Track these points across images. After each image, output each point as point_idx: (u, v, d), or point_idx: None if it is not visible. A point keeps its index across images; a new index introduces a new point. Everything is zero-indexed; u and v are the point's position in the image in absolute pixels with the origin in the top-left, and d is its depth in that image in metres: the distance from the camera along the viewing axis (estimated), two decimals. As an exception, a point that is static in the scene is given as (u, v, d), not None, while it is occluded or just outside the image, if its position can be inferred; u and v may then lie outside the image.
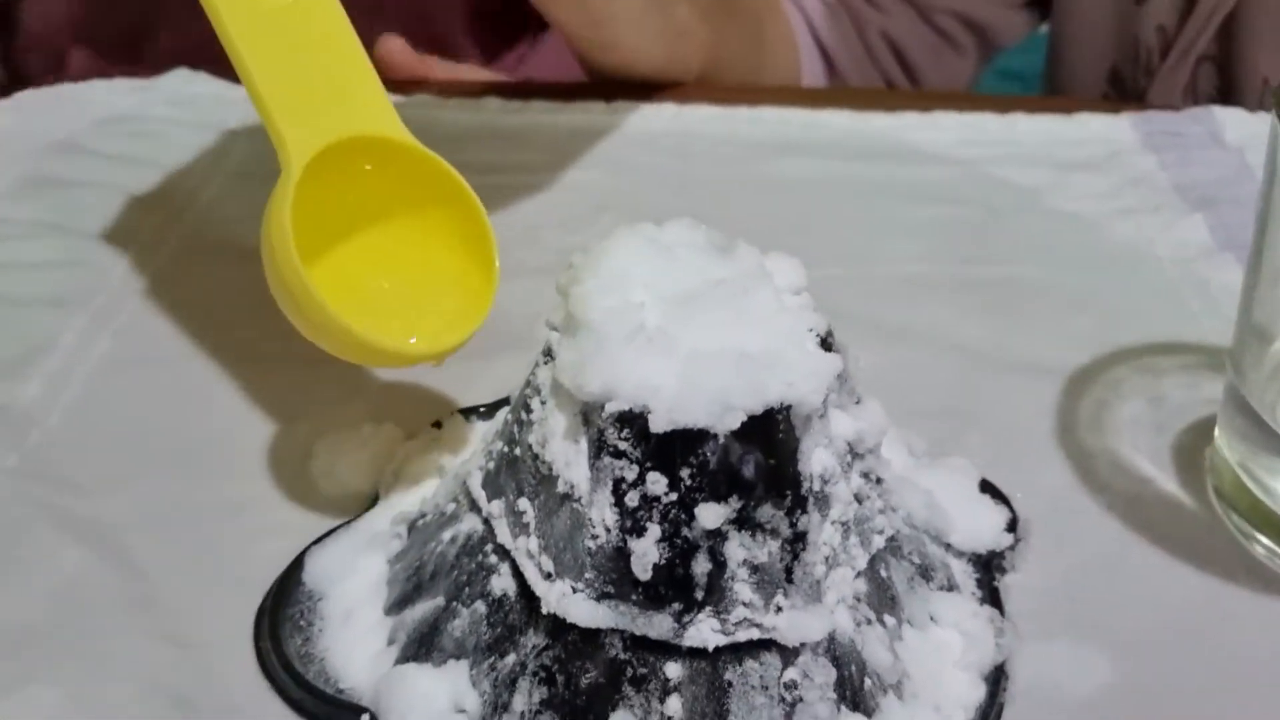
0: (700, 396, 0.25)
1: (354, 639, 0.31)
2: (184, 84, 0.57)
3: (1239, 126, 0.55)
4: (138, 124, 0.54)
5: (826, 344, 0.28)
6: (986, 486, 0.36)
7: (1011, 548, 0.34)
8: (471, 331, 0.34)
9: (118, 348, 0.42)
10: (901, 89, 0.71)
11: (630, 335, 0.26)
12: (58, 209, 0.49)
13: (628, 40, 0.57)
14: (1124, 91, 0.68)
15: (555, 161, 0.53)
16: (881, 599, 0.30)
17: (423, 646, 0.29)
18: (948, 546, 0.33)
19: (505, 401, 0.37)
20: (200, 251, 0.47)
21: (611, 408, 0.26)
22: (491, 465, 0.30)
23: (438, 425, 0.38)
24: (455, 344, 0.34)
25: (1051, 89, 0.74)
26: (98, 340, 0.43)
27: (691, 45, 0.60)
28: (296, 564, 0.32)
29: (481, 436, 0.32)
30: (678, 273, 0.28)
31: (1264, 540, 0.35)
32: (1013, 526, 0.34)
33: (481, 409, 0.38)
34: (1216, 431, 0.37)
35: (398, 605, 0.31)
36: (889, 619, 0.29)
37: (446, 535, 0.31)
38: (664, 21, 0.58)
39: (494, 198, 0.51)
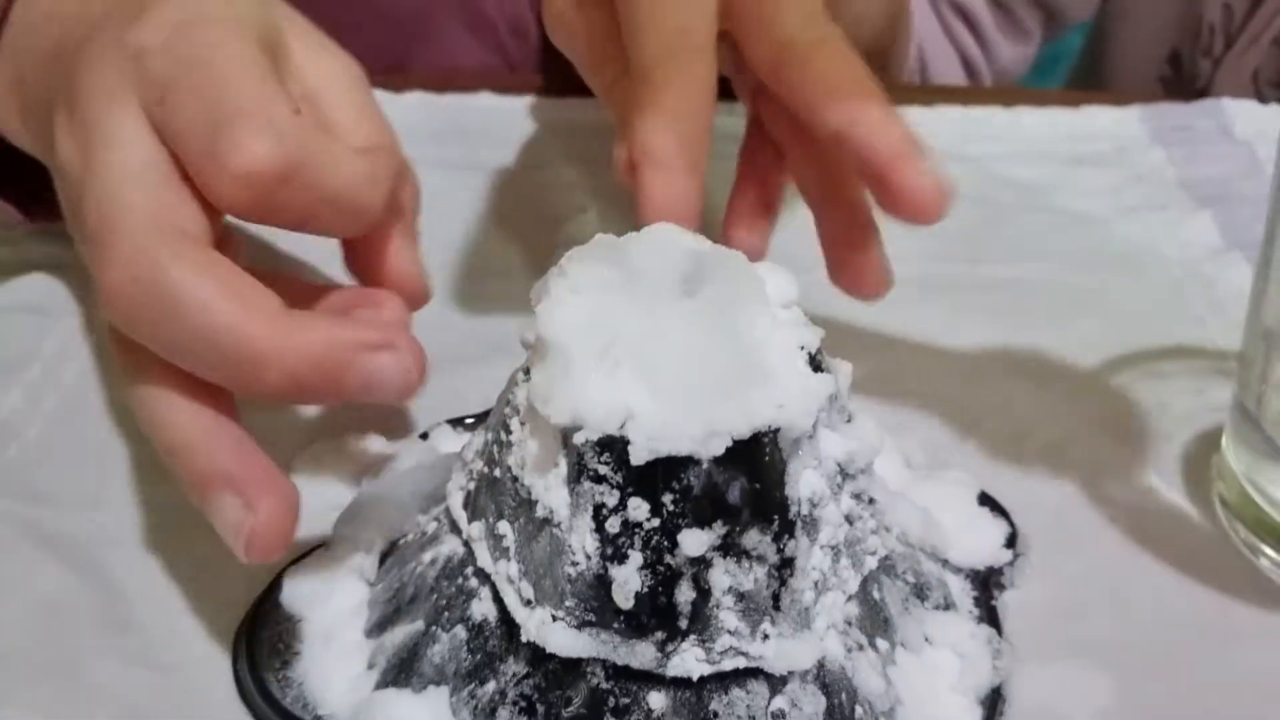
0: (683, 421, 0.24)
1: (333, 662, 0.30)
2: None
3: (1249, 120, 0.54)
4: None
5: (816, 361, 0.27)
6: (986, 499, 0.35)
7: (1011, 563, 0.33)
8: None
9: (101, 357, 0.41)
10: (976, 65, 0.67)
11: (600, 356, 0.25)
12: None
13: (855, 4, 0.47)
14: (1182, 75, 0.65)
15: (548, 158, 0.52)
16: (874, 622, 0.29)
17: (402, 671, 0.29)
18: (945, 563, 0.32)
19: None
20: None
21: (582, 436, 0.25)
22: (472, 486, 0.29)
23: (424, 436, 0.37)
24: None
25: (1094, 71, 0.71)
26: (81, 349, 0.42)
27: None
28: (274, 585, 0.32)
29: (463, 451, 0.31)
30: (658, 285, 0.26)
31: (1270, 554, 0.34)
32: (1012, 541, 0.34)
33: (469, 419, 0.38)
34: (1223, 440, 0.36)
35: (378, 628, 0.30)
36: (881, 643, 0.29)
37: (427, 556, 0.30)
38: None
39: (483, 196, 0.50)
